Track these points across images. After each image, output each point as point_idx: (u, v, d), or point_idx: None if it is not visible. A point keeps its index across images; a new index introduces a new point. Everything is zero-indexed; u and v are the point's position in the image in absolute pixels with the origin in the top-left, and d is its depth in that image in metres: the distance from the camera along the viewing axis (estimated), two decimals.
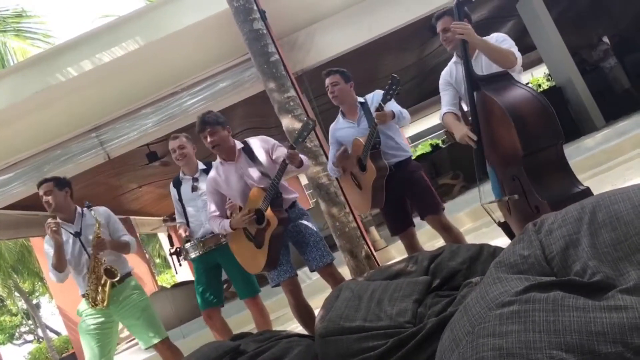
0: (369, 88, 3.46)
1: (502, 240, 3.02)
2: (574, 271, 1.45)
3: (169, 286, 11.84)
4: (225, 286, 4.38)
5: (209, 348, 2.36)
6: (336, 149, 3.47)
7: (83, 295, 3.33)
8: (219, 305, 3.59)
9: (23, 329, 24.55)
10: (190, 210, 3.62)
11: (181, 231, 3.65)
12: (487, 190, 2.84)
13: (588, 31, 8.64)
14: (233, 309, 5.18)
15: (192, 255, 3.53)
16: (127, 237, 3.44)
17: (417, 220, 3.37)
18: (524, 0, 7.56)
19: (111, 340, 3.38)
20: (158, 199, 11.36)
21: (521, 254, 1.57)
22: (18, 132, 6.05)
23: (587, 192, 2.27)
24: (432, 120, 16.61)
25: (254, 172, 3.01)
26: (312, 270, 3.09)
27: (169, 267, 21.69)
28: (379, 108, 3.02)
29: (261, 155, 3.06)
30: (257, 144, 3.12)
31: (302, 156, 2.92)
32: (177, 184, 3.71)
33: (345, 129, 3.39)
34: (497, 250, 2.31)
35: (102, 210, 3.46)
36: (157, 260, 23.34)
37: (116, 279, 3.24)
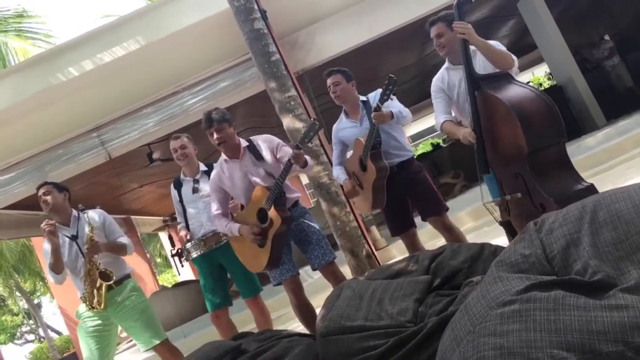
0: (369, 87, 3.46)
1: (503, 240, 3.03)
2: (574, 270, 1.45)
3: (170, 286, 11.85)
4: None
5: (210, 347, 2.36)
6: (339, 148, 3.47)
7: (81, 298, 3.33)
8: (226, 305, 3.59)
9: (24, 328, 24.59)
10: (190, 211, 3.62)
11: (182, 234, 3.64)
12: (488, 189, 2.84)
13: (589, 30, 8.62)
14: (234, 308, 5.13)
15: (194, 254, 3.52)
16: (123, 239, 3.42)
17: (417, 219, 3.36)
18: None
19: (110, 342, 3.37)
20: (159, 199, 11.37)
21: (522, 253, 1.57)
22: (19, 132, 6.05)
23: (592, 189, 2.28)
24: (432, 119, 16.54)
25: (259, 171, 3.02)
26: (314, 269, 3.09)
27: (170, 267, 21.71)
28: (377, 109, 3.01)
29: (266, 154, 3.07)
30: (262, 142, 3.12)
31: (306, 156, 2.93)
32: (178, 185, 3.70)
33: (347, 129, 3.39)
34: (498, 249, 2.31)
35: (97, 212, 3.45)
36: (158, 260, 23.37)
37: (111, 282, 3.23)
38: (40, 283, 19.59)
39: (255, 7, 4.71)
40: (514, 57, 2.65)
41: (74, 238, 3.31)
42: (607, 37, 8.39)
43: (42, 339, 22.35)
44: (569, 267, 1.47)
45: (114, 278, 3.25)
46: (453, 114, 2.99)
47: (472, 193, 6.21)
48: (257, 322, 3.59)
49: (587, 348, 1.23)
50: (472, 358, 1.35)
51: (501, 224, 2.67)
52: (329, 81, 3.33)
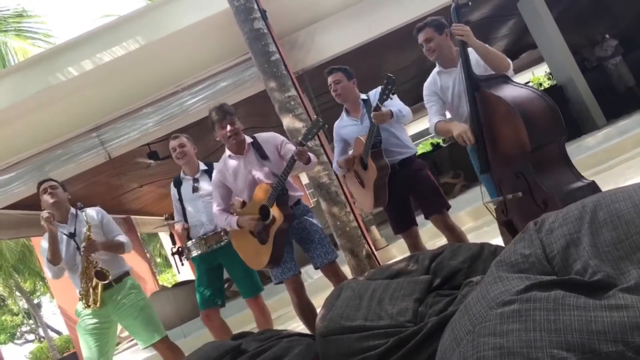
0: (369, 87, 3.45)
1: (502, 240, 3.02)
2: (574, 270, 1.45)
3: (169, 286, 11.85)
4: (226, 285, 4.38)
5: (210, 347, 2.36)
6: (341, 146, 3.47)
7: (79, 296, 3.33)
8: (218, 305, 3.57)
9: (24, 328, 24.59)
10: (190, 210, 3.61)
11: (177, 227, 3.63)
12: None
13: (589, 30, 8.63)
14: (234, 308, 5.18)
15: (194, 253, 3.52)
16: (121, 237, 3.42)
17: (418, 219, 3.36)
18: None
19: (109, 340, 3.37)
20: (159, 199, 11.37)
21: (522, 253, 1.57)
22: (19, 132, 6.05)
23: (594, 186, 2.29)
24: None
25: (262, 167, 3.03)
26: (316, 268, 3.09)
27: (170, 267, 21.71)
28: (376, 108, 3.00)
29: (270, 151, 3.07)
30: (266, 140, 3.14)
31: (310, 154, 2.93)
32: (178, 184, 3.70)
33: (348, 127, 3.39)
34: (498, 249, 2.31)
35: (95, 211, 3.45)
36: (158, 260, 23.36)
37: (107, 281, 3.22)
38: (40, 283, 19.60)
39: (255, 6, 4.71)
40: (509, 60, 2.69)
41: (71, 236, 3.31)
42: (607, 36, 8.38)
43: (42, 339, 22.36)
44: (569, 267, 1.47)
45: (111, 277, 3.25)
46: (448, 116, 3.00)
47: (472, 193, 6.21)
48: (258, 322, 3.59)
49: (587, 348, 1.23)
50: (472, 358, 1.35)
51: (502, 223, 2.67)
52: (329, 79, 3.33)
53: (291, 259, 3.07)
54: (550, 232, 1.57)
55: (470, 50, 2.64)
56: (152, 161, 7.43)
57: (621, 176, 4.90)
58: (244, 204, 3.14)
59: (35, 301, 22.54)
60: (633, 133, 5.90)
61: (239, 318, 5.04)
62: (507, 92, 2.42)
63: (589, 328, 1.25)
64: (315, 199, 5.23)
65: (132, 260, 9.79)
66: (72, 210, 3.40)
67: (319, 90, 6.60)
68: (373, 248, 4.79)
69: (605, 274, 1.37)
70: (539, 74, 16.04)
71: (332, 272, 3.07)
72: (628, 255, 1.37)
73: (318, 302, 3.03)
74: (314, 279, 5.23)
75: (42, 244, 3.30)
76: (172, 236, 4.04)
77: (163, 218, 13.17)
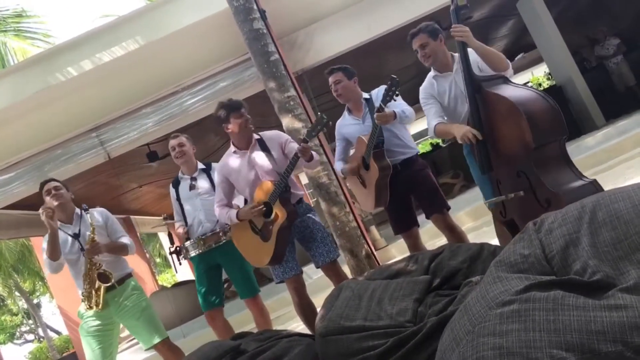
0: (369, 88, 3.45)
1: None
2: (574, 270, 1.45)
3: (169, 286, 11.85)
4: (225, 286, 4.38)
5: (210, 347, 2.36)
6: (342, 145, 3.47)
7: (81, 297, 3.33)
8: (220, 306, 3.59)
9: (24, 328, 24.58)
10: (188, 208, 3.61)
11: (179, 231, 3.64)
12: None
13: (589, 29, 8.62)
14: (233, 309, 5.18)
15: (192, 253, 3.52)
16: (125, 239, 3.42)
17: (419, 219, 3.37)
18: None
19: (112, 341, 3.37)
20: (158, 199, 11.37)
21: (521, 253, 1.57)
22: (18, 132, 6.05)
23: (595, 184, 2.30)
24: None
25: (266, 164, 3.03)
26: (317, 267, 3.09)
27: (169, 267, 21.71)
28: (380, 109, 3.00)
29: (274, 149, 3.08)
30: (271, 137, 3.15)
31: (312, 152, 2.93)
32: (176, 184, 3.72)
33: (350, 126, 3.38)
34: (497, 249, 2.32)
35: (100, 211, 3.45)
36: (158, 260, 23.36)
37: (109, 284, 3.23)
38: (40, 283, 19.59)
39: (255, 7, 4.71)
40: (508, 61, 2.70)
41: (76, 236, 3.31)
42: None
43: (41, 339, 22.35)
44: (568, 267, 1.47)
45: (114, 279, 3.25)
46: (445, 119, 3.01)
47: (471, 193, 6.21)
48: (257, 323, 3.59)
49: (586, 348, 1.23)
50: (472, 358, 1.35)
51: (504, 223, 2.66)
52: (330, 80, 3.33)
53: (293, 259, 3.07)
54: (550, 232, 1.57)
55: (468, 50, 2.65)
56: (153, 164, 7.42)
57: (620, 176, 4.91)
58: (244, 202, 3.15)
59: (35, 301, 22.53)
60: (632, 133, 5.90)
61: (239, 318, 5.04)
62: (509, 92, 2.43)
63: (588, 328, 1.25)
64: (315, 199, 5.23)
65: (132, 260, 9.74)
66: (77, 210, 3.41)
67: (319, 91, 6.60)
68: (372, 248, 4.79)
69: (604, 274, 1.37)
70: (538, 74, 16.05)
71: (333, 271, 3.07)
72: (627, 255, 1.37)
73: (318, 302, 3.03)
74: (313, 279, 5.23)
75: (43, 245, 3.30)
76: (170, 236, 4.04)
77: (161, 218, 13.18)
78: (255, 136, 3.13)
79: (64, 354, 14.76)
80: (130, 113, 6.29)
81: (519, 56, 11.71)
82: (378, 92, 3.26)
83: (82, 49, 5.68)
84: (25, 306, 21.99)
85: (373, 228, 6.20)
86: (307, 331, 3.03)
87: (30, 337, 24.52)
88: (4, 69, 7.56)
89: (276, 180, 2.92)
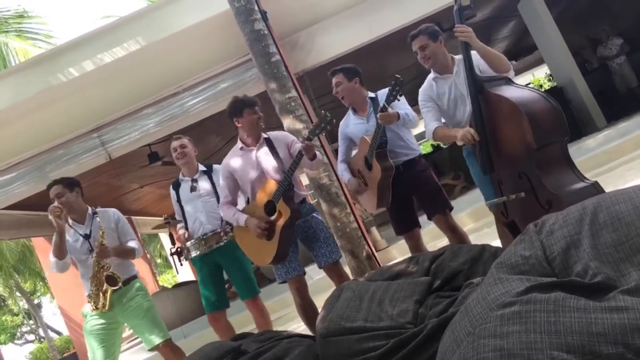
0: (370, 88, 3.45)
1: None
2: (575, 272, 1.45)
3: (170, 286, 11.85)
4: (227, 286, 4.38)
5: (210, 348, 2.36)
6: (346, 145, 3.46)
7: (88, 298, 3.34)
8: (224, 307, 3.60)
9: (24, 328, 24.59)
10: (188, 210, 3.62)
11: (181, 233, 3.64)
12: None
13: (591, 29, 8.61)
14: (233, 310, 5.14)
15: (193, 254, 3.52)
16: (133, 243, 3.44)
17: (420, 219, 3.36)
18: (525, 0, 7.56)
19: (115, 341, 3.39)
20: (159, 199, 11.37)
21: (522, 254, 1.57)
22: (20, 132, 6.05)
23: (596, 186, 2.30)
24: None
25: (271, 163, 3.04)
26: (320, 267, 3.09)
27: (170, 267, 21.69)
28: (383, 109, 2.99)
29: (281, 149, 3.10)
30: (278, 137, 3.17)
31: (316, 151, 2.93)
32: (177, 186, 3.72)
33: (355, 125, 3.38)
34: (498, 250, 2.32)
35: (112, 212, 3.47)
36: (159, 261, 23.36)
37: (116, 287, 3.24)
38: (41, 283, 19.58)
39: (256, 8, 4.71)
40: (509, 63, 2.70)
41: (86, 237, 3.32)
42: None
43: (42, 339, 22.35)
44: (569, 269, 1.47)
45: (120, 282, 3.26)
46: (443, 121, 3.01)
47: (472, 194, 6.20)
48: (257, 323, 3.59)
49: (587, 350, 1.23)
50: (472, 359, 1.35)
51: (505, 224, 2.66)
52: (333, 82, 3.34)
53: (296, 259, 3.07)
54: (551, 233, 1.57)
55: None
56: (158, 163, 7.41)
57: (621, 178, 4.90)
58: (246, 201, 3.15)
59: (36, 301, 22.54)
60: (633, 135, 5.90)
61: (239, 319, 5.03)
62: (511, 93, 2.44)
63: (589, 330, 1.25)
64: (316, 200, 5.22)
65: (133, 261, 9.77)
66: (90, 210, 3.41)
67: (320, 91, 6.60)
68: (373, 249, 4.79)
69: (605, 276, 1.37)
70: (539, 76, 16.05)
71: (335, 272, 3.08)
72: (628, 257, 1.37)
73: (320, 302, 3.03)
74: (314, 279, 5.23)
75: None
76: (171, 236, 4.04)
77: (162, 218, 13.17)
78: (263, 135, 3.15)
79: (65, 355, 14.76)
80: (132, 114, 6.29)
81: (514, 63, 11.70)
82: (383, 93, 3.25)
83: (83, 49, 5.68)
84: (26, 306, 22.00)
85: (374, 229, 6.19)
86: (307, 332, 3.03)
87: (31, 337, 24.54)
88: (6, 70, 7.57)
89: (280, 179, 2.93)
